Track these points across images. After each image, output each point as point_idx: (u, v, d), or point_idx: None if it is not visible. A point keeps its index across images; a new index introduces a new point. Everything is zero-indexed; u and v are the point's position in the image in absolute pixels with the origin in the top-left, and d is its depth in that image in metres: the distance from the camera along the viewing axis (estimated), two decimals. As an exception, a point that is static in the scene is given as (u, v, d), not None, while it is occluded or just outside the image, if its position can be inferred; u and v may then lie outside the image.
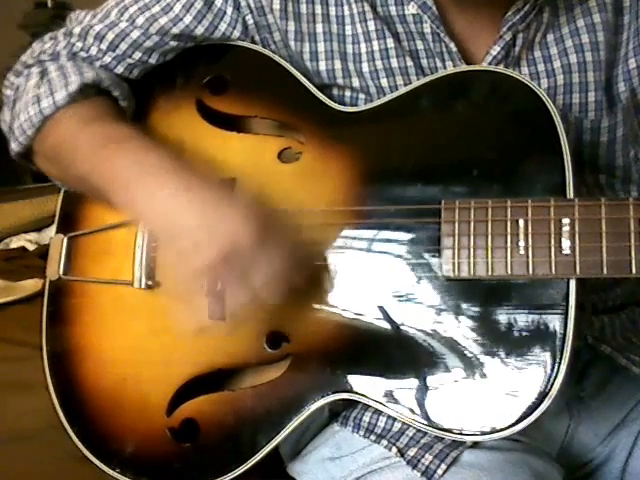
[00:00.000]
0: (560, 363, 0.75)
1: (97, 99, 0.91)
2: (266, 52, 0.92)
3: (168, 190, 0.80)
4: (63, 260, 0.96)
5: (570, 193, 0.77)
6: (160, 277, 0.91)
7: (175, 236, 0.79)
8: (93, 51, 0.94)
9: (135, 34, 0.93)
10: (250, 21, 0.92)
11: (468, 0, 0.86)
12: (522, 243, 0.77)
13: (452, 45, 0.87)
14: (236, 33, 0.93)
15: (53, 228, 1.00)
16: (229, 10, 0.91)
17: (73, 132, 0.87)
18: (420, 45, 0.89)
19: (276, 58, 0.92)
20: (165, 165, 0.82)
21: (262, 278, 0.78)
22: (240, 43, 0.94)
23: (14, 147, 0.93)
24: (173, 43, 0.94)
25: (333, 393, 0.82)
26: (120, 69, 0.95)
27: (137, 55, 0.94)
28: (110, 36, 0.93)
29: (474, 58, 0.88)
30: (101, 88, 0.91)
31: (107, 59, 0.94)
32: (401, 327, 0.81)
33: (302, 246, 0.83)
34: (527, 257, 0.76)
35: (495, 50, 0.86)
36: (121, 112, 0.93)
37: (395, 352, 0.81)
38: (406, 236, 0.82)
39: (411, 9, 0.87)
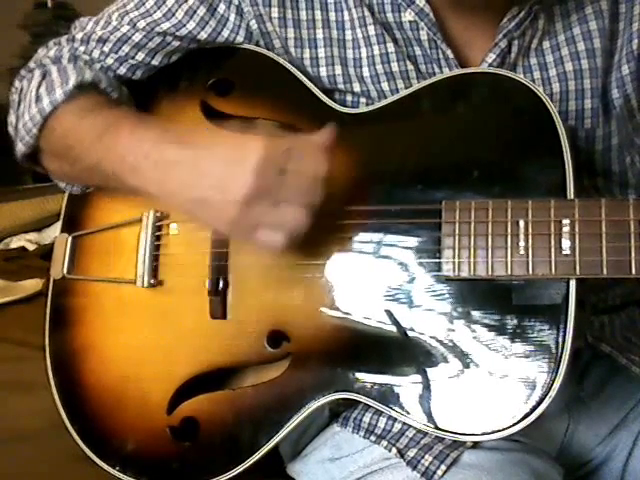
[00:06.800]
0: (560, 363, 0.75)
1: (94, 92, 0.91)
2: (270, 54, 0.93)
3: (171, 153, 0.79)
4: (67, 259, 0.97)
5: (570, 194, 0.77)
6: (163, 276, 0.92)
7: (196, 186, 0.76)
8: (95, 54, 0.95)
9: (137, 37, 0.93)
10: (254, 27, 0.92)
11: (464, 6, 0.86)
12: (522, 243, 0.77)
13: (449, 52, 0.87)
14: (239, 39, 0.93)
15: (53, 228, 1.01)
16: (232, 16, 0.91)
17: (74, 125, 0.88)
18: (418, 51, 0.89)
19: (280, 60, 0.92)
20: (162, 135, 0.82)
21: (296, 192, 0.75)
22: (245, 46, 0.94)
23: (20, 148, 0.93)
24: (176, 43, 0.94)
25: (333, 392, 0.83)
26: (123, 70, 0.95)
27: (140, 56, 0.94)
28: (112, 39, 0.94)
29: (470, 65, 0.88)
30: (99, 89, 0.92)
31: (109, 60, 0.95)
32: (401, 327, 0.81)
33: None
34: (527, 257, 0.76)
35: (490, 57, 0.87)
36: (115, 102, 0.93)
37: (395, 351, 0.81)
38: (407, 236, 0.82)
39: (408, 16, 0.87)
